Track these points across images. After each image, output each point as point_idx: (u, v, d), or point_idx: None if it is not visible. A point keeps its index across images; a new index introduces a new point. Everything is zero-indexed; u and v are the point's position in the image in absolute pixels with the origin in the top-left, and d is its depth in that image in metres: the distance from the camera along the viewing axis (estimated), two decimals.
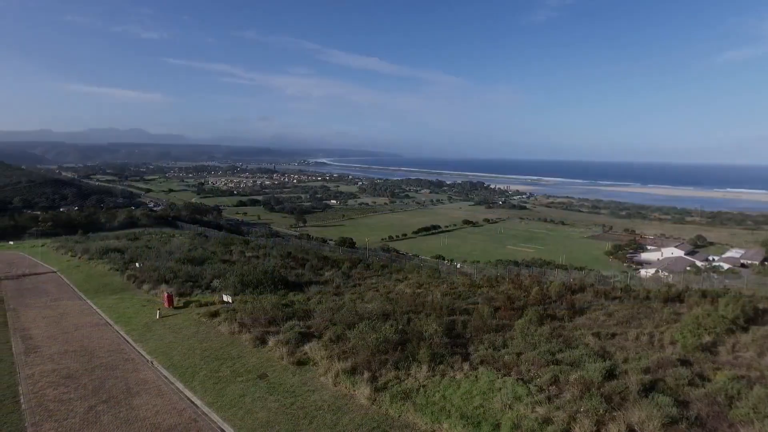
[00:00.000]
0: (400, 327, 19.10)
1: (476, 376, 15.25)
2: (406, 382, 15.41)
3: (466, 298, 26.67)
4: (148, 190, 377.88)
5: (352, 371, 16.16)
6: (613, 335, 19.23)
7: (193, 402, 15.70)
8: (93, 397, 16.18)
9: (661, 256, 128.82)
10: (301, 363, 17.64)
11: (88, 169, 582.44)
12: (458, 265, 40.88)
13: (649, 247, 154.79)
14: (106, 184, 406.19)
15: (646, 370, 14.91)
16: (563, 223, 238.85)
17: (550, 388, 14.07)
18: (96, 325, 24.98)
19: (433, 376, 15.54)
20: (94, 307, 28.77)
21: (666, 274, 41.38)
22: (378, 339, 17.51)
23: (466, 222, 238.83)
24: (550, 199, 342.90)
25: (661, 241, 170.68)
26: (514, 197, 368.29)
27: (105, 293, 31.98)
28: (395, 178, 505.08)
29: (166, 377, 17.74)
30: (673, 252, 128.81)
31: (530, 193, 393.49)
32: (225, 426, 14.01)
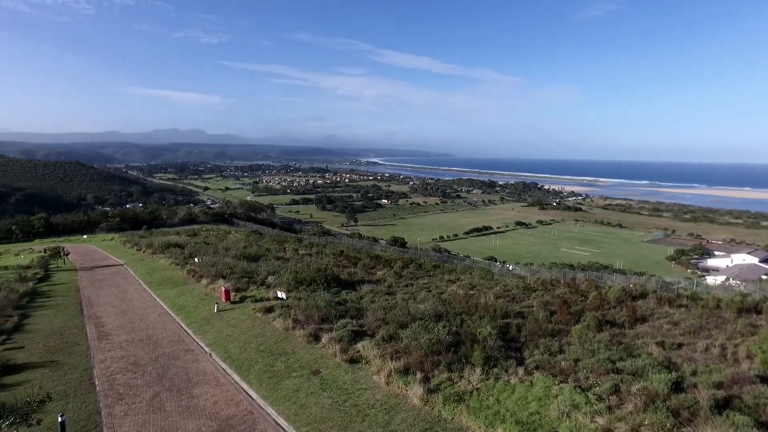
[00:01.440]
0: (454, 328, 18.97)
1: (531, 382, 14.90)
2: (459, 384, 15.28)
3: (520, 301, 26.13)
4: (206, 188, 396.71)
5: (405, 371, 16.23)
6: (680, 345, 18.14)
7: (249, 394, 16.31)
8: (157, 385, 17.18)
9: (731, 263, 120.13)
10: (353, 361, 17.90)
11: (152, 167, 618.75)
12: (510, 267, 39.96)
13: (716, 253, 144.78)
14: (167, 183, 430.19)
15: (719, 385, 13.95)
16: (621, 226, 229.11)
17: (611, 397, 13.48)
18: (159, 316, 26.52)
19: (486, 380, 15.32)
20: (157, 299, 30.53)
21: (738, 282, 38.46)
22: (431, 340, 17.48)
23: (519, 223, 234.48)
24: (608, 201, 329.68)
25: (731, 247, 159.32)
26: (569, 198, 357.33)
27: (167, 286, 33.84)
28: (447, 178, 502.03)
29: (223, 369, 18.54)
30: (745, 259, 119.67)
31: (586, 195, 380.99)
32: (280, 420, 14.46)
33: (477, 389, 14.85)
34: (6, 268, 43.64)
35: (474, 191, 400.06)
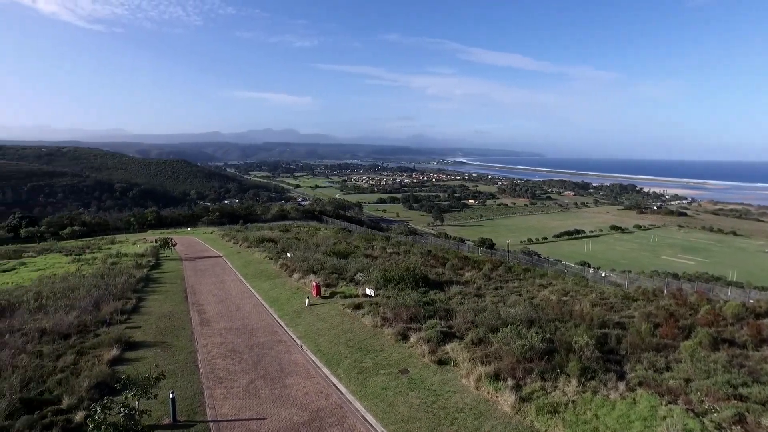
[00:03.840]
0: (547, 336, 18.20)
1: (635, 399, 13.92)
2: (552, 394, 14.66)
3: (619, 310, 24.39)
4: (297, 186, 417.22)
5: (495, 376, 15.88)
6: None
7: (338, 388, 16.85)
8: (253, 372, 18.34)
9: None
10: (442, 362, 17.81)
11: (247, 165, 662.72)
12: (604, 274, 37.42)
13: None
14: (261, 180, 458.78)
15: None
16: (735, 234, 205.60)
17: (734, 428, 12.08)
18: (254, 307, 28.28)
19: (583, 392, 14.52)
20: (252, 291, 32.58)
21: None
22: (523, 346, 16.93)
23: (614, 227, 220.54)
24: (718, 206, 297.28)
25: None
26: (672, 202, 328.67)
27: (261, 279, 36.00)
28: (536, 179, 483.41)
29: (314, 362, 19.33)
30: None
31: (692, 198, 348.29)
32: (368, 416, 14.77)
33: (573, 401, 14.16)
34: (126, 255, 49.17)
35: (565, 193, 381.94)
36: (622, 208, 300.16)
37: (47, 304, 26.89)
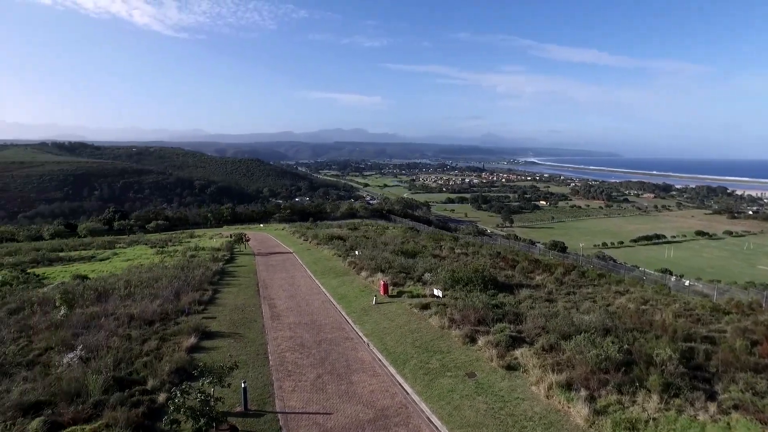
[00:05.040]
0: (625, 346, 17.18)
1: (729, 424, 12.71)
2: (631, 409, 13.78)
3: (707, 323, 22.49)
4: (366, 185, 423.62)
5: (568, 386, 15.20)
6: None
7: (404, 388, 16.88)
8: (320, 367, 18.83)
9: None
10: (510, 368, 17.35)
11: (318, 164, 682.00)
12: (687, 283, 34.68)
13: None
14: (331, 179, 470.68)
15: None
16: None
17: None
18: (322, 303, 29.03)
19: (666, 410, 13.53)
20: (321, 287, 33.47)
21: None
22: (598, 356, 16.09)
23: (700, 233, 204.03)
24: None
25: None
26: None
27: (329, 276, 36.90)
28: (612, 180, 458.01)
29: (380, 360, 19.51)
30: None
31: None
32: (433, 418, 14.68)
33: (654, 419, 13.24)
34: (203, 249, 52.39)
35: (644, 195, 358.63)
36: (710, 212, 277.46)
37: (135, 292, 29.24)
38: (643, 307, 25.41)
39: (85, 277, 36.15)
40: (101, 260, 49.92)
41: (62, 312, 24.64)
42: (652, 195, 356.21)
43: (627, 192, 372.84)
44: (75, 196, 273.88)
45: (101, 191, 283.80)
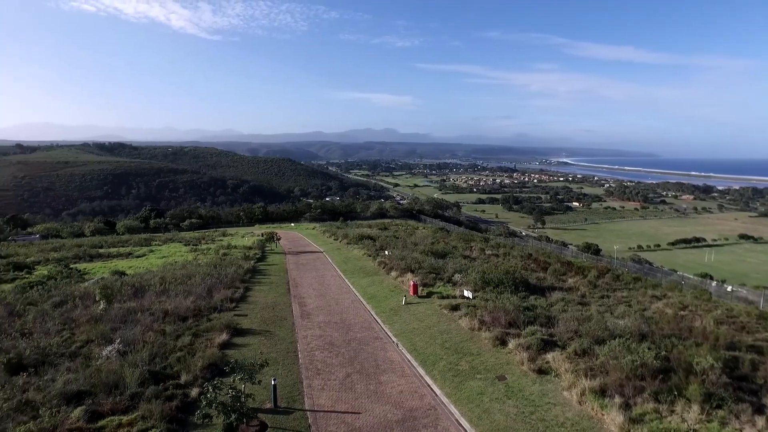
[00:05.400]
0: (662, 353, 16.62)
1: None
2: (669, 419, 13.29)
3: (753, 332, 21.46)
4: (396, 185, 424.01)
5: (601, 392, 14.79)
6: None
7: (432, 389, 16.80)
8: (349, 366, 18.92)
9: None
10: (541, 372, 17.05)
11: (348, 164, 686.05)
12: (730, 288, 33.20)
13: None
14: (361, 179, 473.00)
15: None
16: None
17: None
18: (352, 303, 29.17)
19: (708, 422, 12.99)
20: (351, 287, 33.64)
21: None
22: (634, 362, 15.64)
23: (744, 236, 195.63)
24: None
25: None
26: None
27: (359, 275, 37.07)
28: (649, 181, 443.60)
29: (409, 360, 19.46)
30: None
31: None
32: (462, 420, 14.55)
33: (694, 430, 12.74)
34: (235, 247, 53.44)
35: (683, 197, 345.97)
36: (756, 214, 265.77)
37: (169, 289, 30.06)
38: (682, 312, 24.53)
39: (123, 273, 37.44)
40: (138, 257, 51.64)
41: (102, 306, 25.62)
42: (692, 197, 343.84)
43: (664, 193, 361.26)
44: (114, 194, 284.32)
45: (138, 190, 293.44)
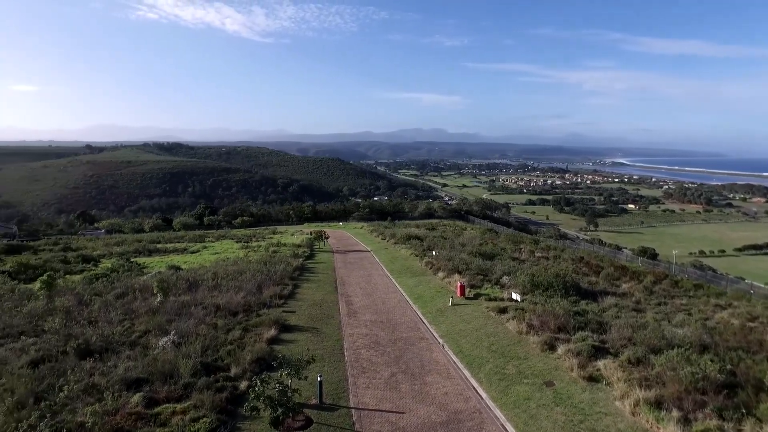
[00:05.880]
0: (727, 366, 15.64)
1: None
2: None
3: None
4: (444, 185, 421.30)
5: (657, 404, 14.10)
6: None
7: (478, 392, 16.63)
8: (394, 365, 19.01)
9: None
10: (592, 379, 16.47)
11: (396, 164, 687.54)
12: None
13: None
14: (409, 178, 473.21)
15: None
16: None
17: None
18: (398, 302, 29.27)
19: None
20: (398, 286, 33.75)
21: None
22: (694, 374, 14.80)
23: None
24: None
25: None
26: None
27: (406, 275, 37.11)
28: (713, 183, 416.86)
29: (454, 362, 19.35)
30: None
31: None
32: (508, 426, 14.30)
33: None
34: (285, 245, 54.78)
35: (753, 199, 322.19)
36: None
37: (221, 284, 31.19)
38: (751, 324, 22.99)
39: (178, 268, 39.21)
40: (192, 253, 53.96)
41: (158, 299, 26.97)
42: (763, 199, 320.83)
43: (731, 196, 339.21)
44: (171, 192, 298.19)
45: (194, 188, 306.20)
